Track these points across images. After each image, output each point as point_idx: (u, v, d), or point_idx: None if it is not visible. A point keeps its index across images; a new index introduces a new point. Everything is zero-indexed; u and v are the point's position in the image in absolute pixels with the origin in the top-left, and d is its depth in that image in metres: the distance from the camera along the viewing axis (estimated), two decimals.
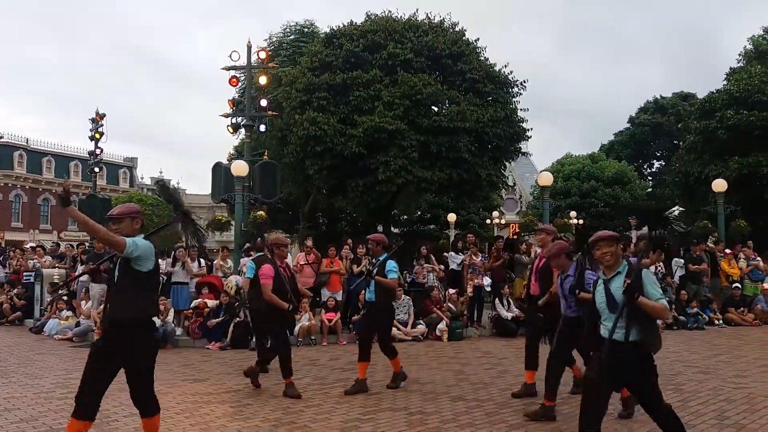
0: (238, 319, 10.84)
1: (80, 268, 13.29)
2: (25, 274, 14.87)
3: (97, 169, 22.71)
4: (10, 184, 55.24)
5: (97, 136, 21.78)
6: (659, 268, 15.25)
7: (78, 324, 11.94)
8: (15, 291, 14.70)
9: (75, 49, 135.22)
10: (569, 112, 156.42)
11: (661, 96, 46.70)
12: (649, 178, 48.25)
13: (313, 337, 11.03)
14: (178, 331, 11.33)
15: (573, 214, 30.11)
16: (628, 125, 47.63)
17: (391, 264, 7.20)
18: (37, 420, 5.83)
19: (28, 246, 18.32)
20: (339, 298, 11.84)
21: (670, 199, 39.17)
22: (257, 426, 5.65)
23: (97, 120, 21.84)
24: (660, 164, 48.63)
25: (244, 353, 10.04)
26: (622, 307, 3.99)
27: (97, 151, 22.19)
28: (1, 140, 55.37)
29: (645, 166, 48.86)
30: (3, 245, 34.34)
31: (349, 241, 13.52)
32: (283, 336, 7.24)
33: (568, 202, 34.75)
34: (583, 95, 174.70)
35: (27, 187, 56.12)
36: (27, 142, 56.79)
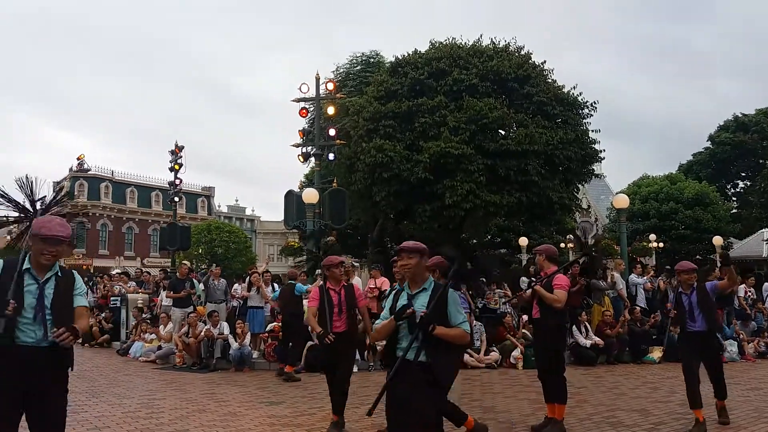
0: (311, 342, 10.97)
1: (162, 294, 13.91)
2: (111, 298, 15.73)
3: (177, 199, 23.75)
4: (97, 214, 58.68)
5: (177, 167, 22.85)
6: (749, 293, 14.42)
7: (160, 347, 12.44)
8: (103, 315, 15.55)
9: (153, 84, 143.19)
10: (643, 131, 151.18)
11: (742, 113, 44.56)
12: (733, 199, 45.84)
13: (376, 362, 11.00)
14: (255, 354, 11.60)
15: (653, 237, 28.90)
16: (708, 144, 45.58)
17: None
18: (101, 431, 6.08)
19: (114, 272, 19.35)
20: None
21: (758, 220, 37.07)
22: None
23: (176, 152, 22.93)
24: (744, 184, 46.17)
25: (318, 377, 10.14)
26: (416, 333, 3.73)
27: (177, 182, 23.26)
28: (90, 173, 59.13)
29: (728, 187, 46.49)
30: (92, 272, 36.39)
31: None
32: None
33: (647, 224, 33.44)
34: (656, 113, 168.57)
35: (112, 216, 59.44)
36: (112, 174, 60.31)
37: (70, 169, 59.87)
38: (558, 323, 6.30)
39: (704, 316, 6.61)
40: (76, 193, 58.03)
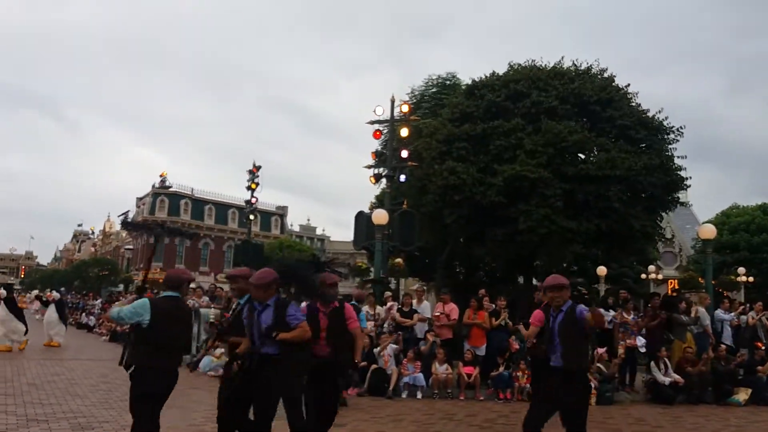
0: (375, 366, 10.89)
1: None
2: None
3: (252, 217, 24.52)
4: (196, 233, 61.25)
5: (253, 186, 23.62)
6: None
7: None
8: None
9: (229, 105, 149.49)
10: (738, 157, 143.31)
11: None
12: None
13: (449, 390, 10.75)
14: None
15: (741, 270, 27.13)
16: None
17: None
18: None
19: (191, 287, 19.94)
20: (482, 352, 11.46)
21: None
22: None
23: (254, 171, 23.72)
24: None
25: (380, 400, 10.02)
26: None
27: (253, 200, 24.01)
28: (171, 189, 62.03)
29: None
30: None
31: (482, 291, 13.04)
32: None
33: (735, 257, 31.48)
34: (755, 138, 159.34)
35: (190, 232, 61.81)
36: (192, 192, 63.04)
37: (153, 186, 63.03)
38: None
39: (563, 348, 5.19)
40: (157, 209, 60.92)
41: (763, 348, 11.93)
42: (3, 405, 8.07)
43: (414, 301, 12.68)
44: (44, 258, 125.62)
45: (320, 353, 5.66)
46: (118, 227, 78.57)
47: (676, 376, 11.03)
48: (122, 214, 71.78)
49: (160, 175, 62.59)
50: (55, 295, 17.86)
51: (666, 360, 11.23)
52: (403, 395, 10.64)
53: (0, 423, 7.01)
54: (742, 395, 11.17)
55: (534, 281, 20.80)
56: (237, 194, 55.93)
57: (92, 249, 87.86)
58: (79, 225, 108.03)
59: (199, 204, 62.84)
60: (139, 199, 66.34)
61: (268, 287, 5.28)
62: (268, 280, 5.30)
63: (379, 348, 11.25)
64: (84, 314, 28.29)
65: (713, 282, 14.85)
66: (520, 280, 21.41)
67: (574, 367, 5.03)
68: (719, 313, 12.65)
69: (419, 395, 10.66)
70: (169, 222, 60.19)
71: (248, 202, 24.18)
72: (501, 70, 19.06)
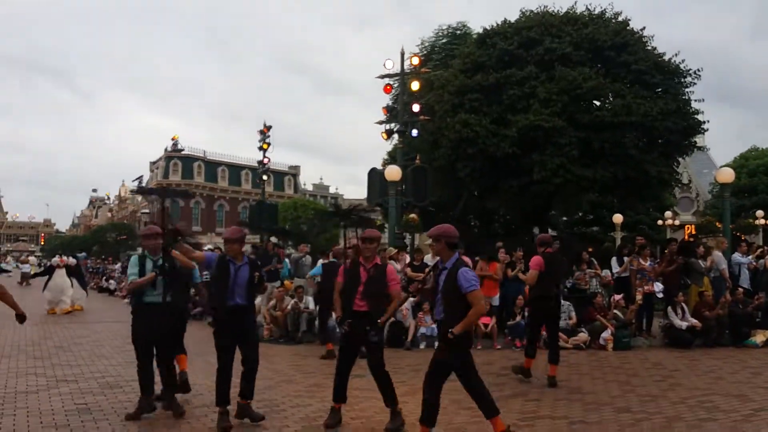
0: (393, 319, 11.05)
1: None
2: (204, 273, 16.41)
3: (265, 177, 24.55)
4: (190, 192, 61.65)
5: (265, 146, 23.57)
6: None
7: None
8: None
9: (237, 67, 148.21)
10: (762, 99, 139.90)
11: None
12: None
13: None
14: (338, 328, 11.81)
15: (760, 213, 26.79)
16: None
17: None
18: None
19: (205, 248, 20.22)
20: (494, 303, 11.59)
21: None
22: (414, 424, 5.66)
23: (265, 131, 23.64)
24: None
25: (399, 352, 10.22)
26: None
27: (265, 161, 24.00)
28: (183, 153, 62.15)
29: None
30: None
31: (499, 243, 13.16)
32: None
33: (754, 200, 31.08)
34: None
35: (205, 194, 62.33)
36: (204, 154, 63.15)
37: (165, 150, 63.18)
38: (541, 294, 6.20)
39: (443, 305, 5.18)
40: (170, 172, 61.21)
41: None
42: (32, 367, 8.35)
43: (428, 256, 12.76)
44: (62, 225, 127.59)
45: (356, 308, 5.80)
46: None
47: (693, 321, 11.08)
48: (136, 179, 72.35)
49: (172, 139, 62.66)
50: (71, 260, 18.12)
51: (683, 305, 11.26)
52: (421, 346, 10.84)
53: (30, 384, 7.26)
54: (760, 337, 11.22)
55: (550, 231, 20.77)
56: (249, 155, 56.03)
57: (109, 214, 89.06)
58: (94, 191, 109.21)
59: (212, 166, 63.04)
60: (153, 164, 66.67)
61: (241, 243, 5.91)
62: (240, 236, 5.90)
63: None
64: (104, 278, 28.84)
65: (731, 226, 14.70)
66: (536, 230, 21.35)
67: (447, 325, 4.96)
68: (736, 256, 12.59)
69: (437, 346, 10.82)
70: (184, 185, 60.67)
71: (261, 162, 24.18)
72: (513, 17, 18.62)
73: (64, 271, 17.08)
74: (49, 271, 17.62)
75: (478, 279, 5.07)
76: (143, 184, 69.97)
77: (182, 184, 60.78)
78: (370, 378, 7.96)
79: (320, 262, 11.97)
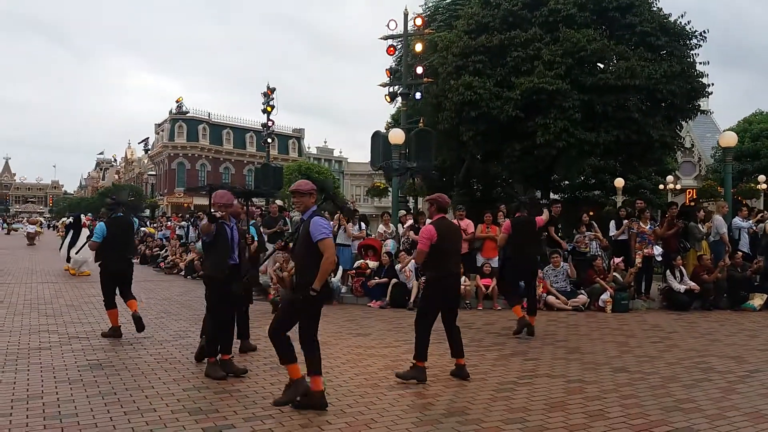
0: (396, 280, 11.28)
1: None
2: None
3: (269, 140, 24.49)
4: (196, 155, 61.68)
5: (269, 109, 23.46)
6: None
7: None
8: None
9: (238, 28, 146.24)
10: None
11: None
12: None
13: (468, 302, 11.15)
14: (343, 289, 12.06)
15: (762, 178, 26.76)
16: None
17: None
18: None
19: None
20: (494, 264, 11.77)
21: None
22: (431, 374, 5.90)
23: (269, 94, 23.49)
24: None
25: (402, 312, 10.45)
26: None
27: (270, 123, 23.94)
28: (188, 115, 61.89)
29: None
30: (192, 209, 38.57)
31: (503, 206, 13.31)
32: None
33: (756, 165, 31.01)
34: None
35: (210, 157, 62.30)
36: (209, 116, 62.86)
37: (170, 112, 62.92)
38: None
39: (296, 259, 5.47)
40: (176, 134, 61.10)
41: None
42: (45, 324, 8.59)
43: (429, 220, 12.87)
44: (70, 186, 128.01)
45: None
46: (139, 154, 79.38)
47: (692, 284, 11.26)
48: (142, 140, 72.24)
49: (177, 101, 62.36)
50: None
51: (681, 268, 11.43)
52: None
53: (43, 340, 7.49)
54: (757, 301, 11.42)
55: (552, 195, 20.85)
56: (253, 118, 55.71)
57: (116, 176, 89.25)
58: (100, 153, 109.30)
59: (216, 128, 62.84)
60: (158, 126, 66.48)
61: (231, 206, 6.33)
62: (231, 199, 6.33)
63: (400, 264, 11.58)
64: None
65: (732, 190, 14.74)
66: (538, 194, 21.43)
67: (304, 277, 5.03)
68: (737, 220, 12.69)
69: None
70: (189, 147, 60.59)
71: (265, 125, 24.12)
72: None
73: (88, 232, 16.11)
74: (77, 224, 16.74)
75: (330, 228, 5.17)
76: (149, 147, 69.93)
77: (187, 146, 60.73)
78: (375, 338, 8.23)
79: None
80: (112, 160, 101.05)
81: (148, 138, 71.21)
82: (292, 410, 4.88)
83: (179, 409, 4.85)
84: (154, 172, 63.40)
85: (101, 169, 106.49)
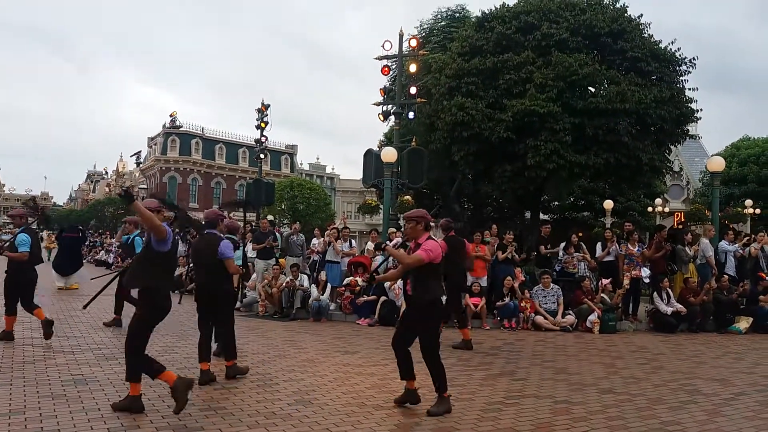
0: (385, 298, 11.27)
1: (249, 246, 14.58)
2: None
3: (262, 156, 24.52)
4: (188, 169, 61.56)
5: (263, 125, 23.52)
6: None
7: (245, 296, 13.10)
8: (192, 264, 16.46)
9: (236, 41, 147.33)
10: (761, 86, 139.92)
11: None
12: None
13: (456, 321, 11.12)
14: (332, 306, 12.03)
15: (749, 202, 27.12)
16: None
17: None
18: (189, 371, 6.49)
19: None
20: (483, 283, 11.80)
21: None
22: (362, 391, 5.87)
23: (263, 110, 23.57)
24: None
25: (390, 330, 10.38)
26: None
27: (263, 139, 24.00)
28: (181, 129, 61.92)
29: None
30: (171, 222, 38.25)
31: (494, 227, 13.42)
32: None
33: (743, 189, 31.40)
34: None
35: (202, 171, 62.20)
36: (202, 131, 62.92)
37: (164, 126, 62.93)
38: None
39: None
40: (168, 148, 61.06)
41: (766, 278, 12.15)
42: (29, 338, 8.50)
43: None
44: (59, 198, 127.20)
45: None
46: (130, 167, 79.12)
47: (679, 306, 11.33)
48: (134, 153, 72.05)
49: (171, 115, 62.36)
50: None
51: (668, 290, 11.51)
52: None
53: (27, 354, 7.41)
54: (743, 324, 11.50)
55: (541, 215, 20.97)
56: (246, 133, 55.79)
57: (106, 189, 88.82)
58: (92, 168, 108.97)
59: (209, 143, 62.84)
60: (151, 139, 66.43)
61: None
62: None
63: (389, 282, 11.57)
64: (103, 251, 29.01)
65: (719, 214, 14.91)
66: (527, 214, 21.58)
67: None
68: (723, 244, 12.81)
69: None
70: (181, 161, 60.47)
71: (258, 141, 24.18)
72: (511, 1, 18.63)
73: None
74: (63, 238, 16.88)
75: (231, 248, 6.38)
76: (141, 160, 69.78)
77: (180, 160, 60.64)
78: (363, 356, 8.21)
79: None
80: (103, 172, 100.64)
81: (140, 151, 71.08)
82: (280, 429, 4.85)
83: (164, 426, 4.80)
84: (145, 186, 63.10)
85: (92, 182, 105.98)
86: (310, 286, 12.05)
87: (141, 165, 70.15)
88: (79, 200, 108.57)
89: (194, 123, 63.18)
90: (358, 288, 11.72)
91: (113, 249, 27.83)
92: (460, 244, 9.30)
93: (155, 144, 63.75)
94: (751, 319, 11.56)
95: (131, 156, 75.11)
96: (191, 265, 9.11)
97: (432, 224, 6.32)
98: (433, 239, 5.80)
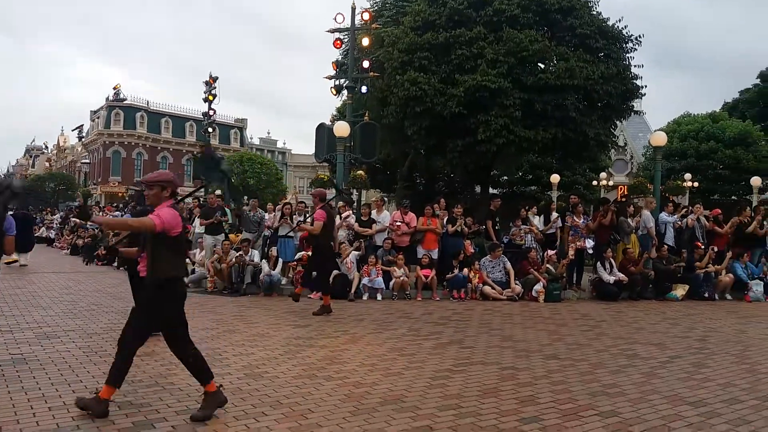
0: (337, 271, 11.28)
1: (196, 221, 14.32)
2: None
3: (210, 130, 24.01)
4: (133, 143, 59.70)
5: (210, 98, 22.99)
6: None
7: (193, 272, 12.90)
8: None
9: (185, 14, 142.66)
10: (709, 64, 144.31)
11: None
12: None
13: (407, 292, 11.30)
14: (284, 280, 11.99)
15: (688, 176, 28.22)
16: (758, 81, 43.57)
17: None
18: (158, 354, 6.42)
19: None
20: (434, 256, 11.97)
21: None
22: (354, 370, 5.94)
23: (211, 83, 23.01)
24: None
25: (343, 303, 10.49)
26: None
27: (211, 113, 23.46)
28: (125, 102, 59.81)
29: None
30: (127, 199, 37.33)
31: (442, 200, 13.55)
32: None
33: (683, 164, 32.65)
34: (724, 48, 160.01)
35: (147, 145, 60.42)
36: (148, 104, 60.91)
37: (107, 99, 60.64)
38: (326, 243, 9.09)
39: None
40: (112, 122, 59.00)
41: (702, 247, 12.73)
42: None
43: (374, 211, 13.00)
44: None
45: None
46: (72, 141, 76.12)
47: (620, 275, 11.77)
48: (76, 128, 69.27)
49: (114, 88, 60.10)
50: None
51: (611, 260, 11.93)
52: (364, 297, 11.15)
53: None
54: (680, 291, 12.08)
55: (491, 190, 21.30)
56: (194, 107, 54.32)
57: (46, 164, 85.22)
58: (32, 142, 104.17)
59: (155, 117, 60.93)
60: (94, 113, 63.92)
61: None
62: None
63: (341, 256, 11.61)
64: (44, 228, 27.96)
65: (661, 187, 15.48)
66: (478, 189, 21.88)
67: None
68: (663, 215, 13.32)
69: (379, 297, 11.19)
70: (126, 135, 58.56)
71: (206, 114, 23.64)
72: None
73: None
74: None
75: None
76: (83, 134, 67.19)
77: (124, 134, 58.71)
78: (314, 329, 8.23)
79: None
80: (43, 147, 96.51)
81: (82, 125, 68.34)
82: (229, 403, 4.83)
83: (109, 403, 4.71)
84: (87, 161, 60.87)
85: (31, 157, 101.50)
86: (261, 261, 11.95)
87: (83, 139, 67.54)
88: (16, 175, 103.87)
89: (140, 96, 61.21)
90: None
91: (54, 225, 26.90)
92: (333, 216, 9.79)
93: (98, 118, 61.40)
94: (687, 287, 12.13)
95: (73, 130, 72.18)
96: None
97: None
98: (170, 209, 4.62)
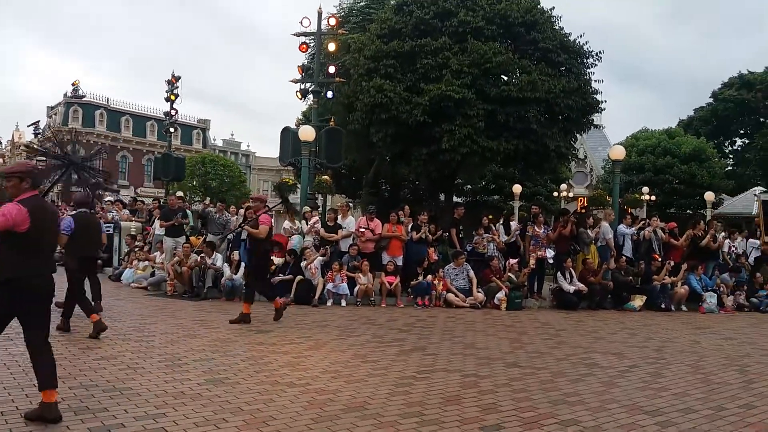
0: (301, 277, 11.21)
1: (156, 223, 14.03)
2: (105, 225, 15.75)
3: (172, 130, 23.59)
4: (91, 141, 58.10)
5: (173, 97, 22.58)
6: (732, 248, 14.66)
7: (153, 274, 12.63)
8: None
9: (148, 12, 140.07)
10: (669, 84, 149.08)
11: (749, 71, 43.89)
12: (730, 156, 45.84)
13: (372, 299, 11.30)
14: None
15: (645, 189, 29.05)
16: (711, 100, 45.18)
17: None
18: (116, 358, 6.27)
19: (107, 200, 19.33)
20: (399, 262, 12.01)
21: (752, 178, 37.19)
22: (317, 376, 5.90)
23: (173, 82, 22.61)
24: (743, 142, 46.10)
25: (306, 309, 10.41)
26: None
27: (172, 112, 23.05)
28: (84, 99, 58.29)
29: (726, 144, 46.44)
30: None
31: (406, 207, 13.61)
32: None
33: (641, 177, 33.57)
34: (681, 67, 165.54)
35: (107, 144, 58.91)
36: (107, 102, 59.48)
37: (65, 95, 59.00)
38: (265, 249, 9.11)
39: None
40: (70, 119, 57.44)
41: (659, 259, 13.09)
42: None
43: (339, 217, 12.97)
44: None
45: None
46: (28, 138, 73.66)
47: (580, 285, 12.00)
48: (32, 123, 67.07)
49: (73, 84, 58.45)
50: None
51: (571, 270, 12.16)
52: (328, 303, 11.10)
53: None
54: (638, 302, 12.37)
55: (455, 198, 21.50)
56: (156, 106, 53.28)
57: (0, 160, 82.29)
58: None
59: (115, 115, 59.49)
60: (51, 109, 62.02)
61: None
62: None
63: (305, 261, 11.53)
64: None
65: (619, 200, 15.89)
66: (442, 197, 22.08)
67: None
68: (621, 227, 13.65)
69: (343, 303, 11.15)
70: (85, 133, 57.04)
71: (167, 114, 23.21)
72: None
73: None
74: None
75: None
76: (39, 130, 65.15)
77: (83, 132, 57.13)
78: (277, 335, 8.14)
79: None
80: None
81: (39, 121, 66.18)
82: (189, 409, 4.73)
83: (64, 408, 4.55)
84: (44, 157, 59.02)
85: None
86: (222, 265, 11.78)
87: (39, 136, 65.47)
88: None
89: (99, 94, 59.69)
90: (273, 267, 11.57)
91: None
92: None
93: (55, 114, 59.64)
94: (644, 297, 12.43)
95: (29, 126, 69.83)
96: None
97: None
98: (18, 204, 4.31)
